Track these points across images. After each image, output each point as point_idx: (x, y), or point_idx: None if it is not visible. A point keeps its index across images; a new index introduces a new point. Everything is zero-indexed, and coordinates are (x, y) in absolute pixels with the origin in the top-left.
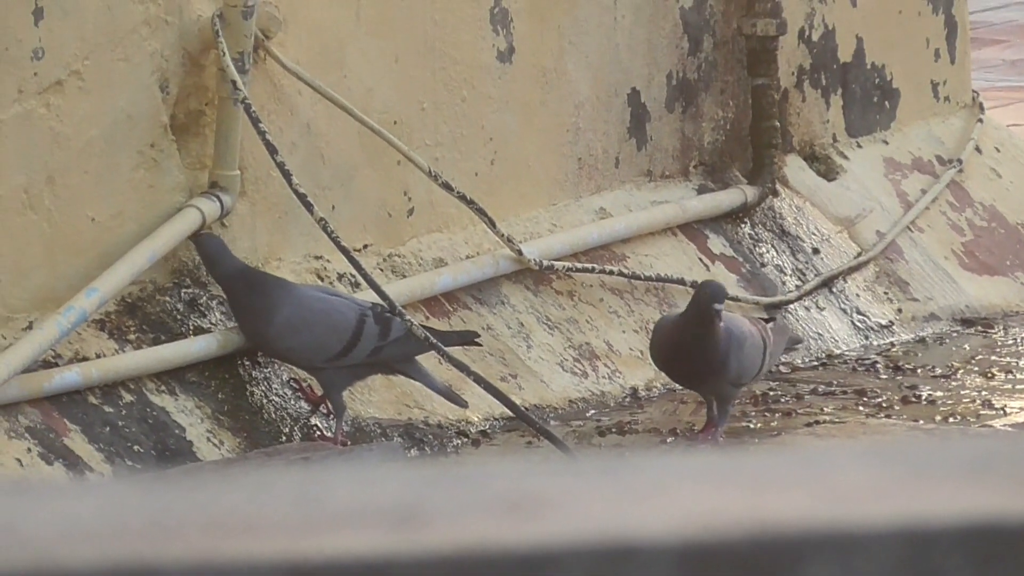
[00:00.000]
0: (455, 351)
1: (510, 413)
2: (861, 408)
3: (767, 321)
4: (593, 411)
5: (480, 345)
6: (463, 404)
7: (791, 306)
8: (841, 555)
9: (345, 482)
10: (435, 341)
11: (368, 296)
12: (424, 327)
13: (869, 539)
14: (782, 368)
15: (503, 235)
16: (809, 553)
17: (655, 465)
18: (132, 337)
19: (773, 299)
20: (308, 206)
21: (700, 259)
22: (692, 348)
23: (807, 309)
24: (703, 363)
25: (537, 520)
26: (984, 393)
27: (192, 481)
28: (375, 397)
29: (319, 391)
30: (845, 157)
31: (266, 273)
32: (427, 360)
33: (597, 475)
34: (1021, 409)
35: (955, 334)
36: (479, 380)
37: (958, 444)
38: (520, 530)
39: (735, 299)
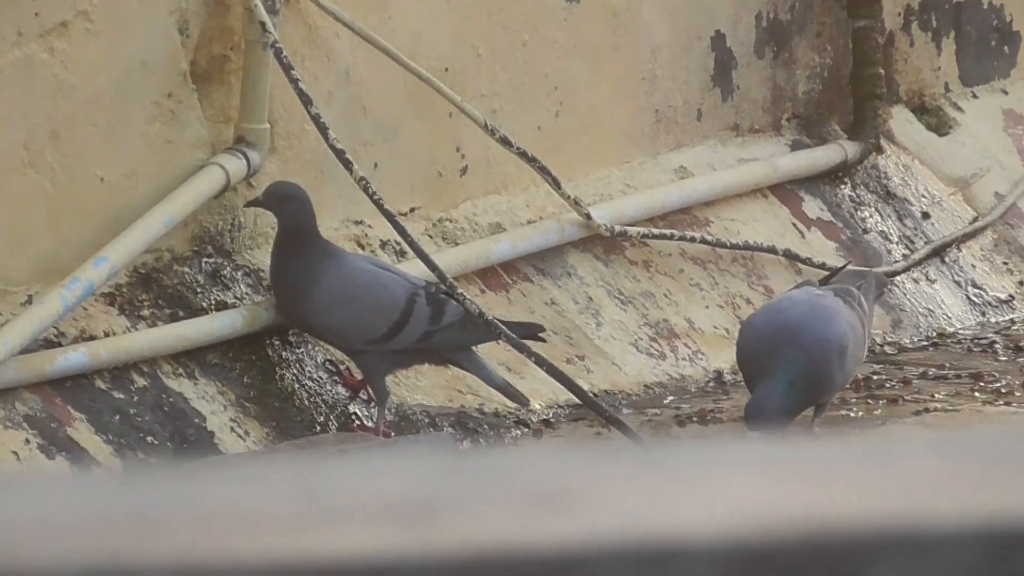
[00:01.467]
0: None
1: (576, 400)
2: (977, 394)
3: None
4: (672, 397)
5: (544, 341)
6: (524, 402)
7: (898, 278)
8: (912, 558)
9: (351, 474)
10: (492, 319)
11: (414, 268)
12: (489, 319)
13: (944, 540)
14: (887, 349)
15: (569, 197)
16: (875, 556)
17: (704, 455)
18: (146, 313)
19: (877, 270)
20: (347, 164)
21: (794, 224)
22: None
23: (916, 281)
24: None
25: (565, 516)
26: None
27: (180, 473)
28: (423, 382)
29: (359, 375)
30: (959, 109)
31: (320, 237)
32: (484, 345)
33: (637, 465)
34: None
35: None
36: (541, 362)
37: None
38: (546, 528)
39: (834, 270)
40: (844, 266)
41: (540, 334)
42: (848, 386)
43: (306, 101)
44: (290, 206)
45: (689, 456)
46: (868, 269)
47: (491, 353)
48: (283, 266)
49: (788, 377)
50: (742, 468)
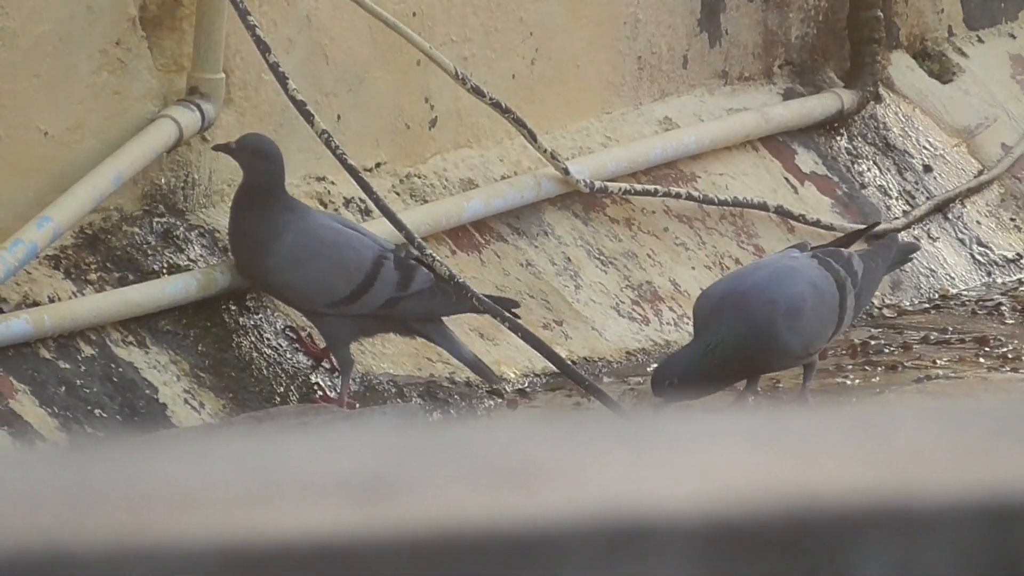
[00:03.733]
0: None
1: (554, 368)
2: (982, 360)
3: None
4: (655, 364)
5: (518, 317)
6: (494, 380)
7: (897, 236)
8: (903, 535)
9: (303, 448)
10: (463, 282)
11: (380, 227)
12: (460, 282)
13: (938, 516)
14: (886, 312)
15: (546, 151)
16: (863, 531)
17: (685, 426)
18: (93, 277)
19: (875, 227)
20: (308, 116)
21: (786, 179)
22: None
23: (916, 239)
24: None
25: (532, 492)
26: None
27: (124, 447)
28: (390, 349)
29: (321, 343)
30: (963, 54)
31: (284, 193)
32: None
33: (612, 437)
34: None
35: None
36: (516, 328)
37: None
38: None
39: (828, 227)
40: (871, 226)
41: (514, 309)
42: (843, 350)
43: (264, 49)
44: (262, 163)
45: (669, 427)
46: (895, 231)
47: (463, 318)
48: (243, 219)
49: (708, 342)
50: (725, 440)
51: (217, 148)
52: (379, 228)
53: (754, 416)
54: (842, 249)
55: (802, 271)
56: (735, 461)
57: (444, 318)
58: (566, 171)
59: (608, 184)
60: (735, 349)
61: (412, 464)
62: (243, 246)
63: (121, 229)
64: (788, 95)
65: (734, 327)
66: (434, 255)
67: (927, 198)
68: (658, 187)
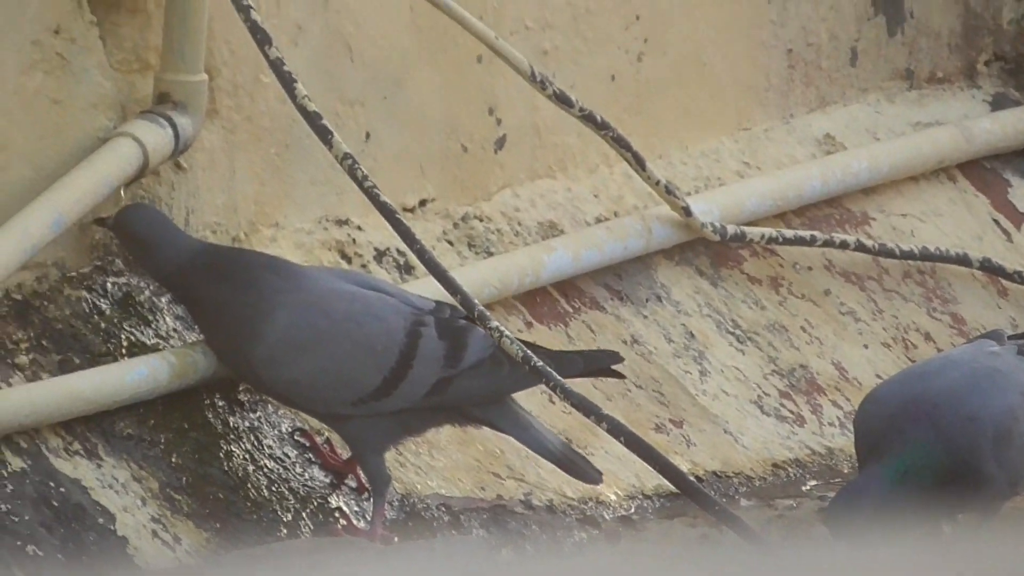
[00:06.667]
0: (578, 383)
1: (671, 486)
2: None
3: None
4: (815, 482)
5: (622, 376)
6: (593, 478)
7: None
8: None
9: None
10: (543, 366)
11: (427, 289)
12: (525, 343)
13: None
14: None
15: (659, 182)
16: None
17: (852, 563)
18: (23, 360)
19: None
20: (324, 134)
21: (995, 221)
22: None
23: None
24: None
25: None
26: None
27: None
28: (440, 461)
29: (344, 451)
30: None
31: (249, 251)
32: (531, 399)
33: None
34: None
35: None
36: (618, 430)
37: None
38: None
39: None
40: None
41: (615, 366)
42: None
43: (262, 39)
44: (142, 247)
45: (833, 566)
46: None
47: (543, 416)
48: (213, 310)
49: (901, 465)
50: None
51: (97, 222)
52: (424, 291)
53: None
54: None
55: (1009, 374)
56: None
57: (513, 396)
58: (687, 211)
59: (746, 229)
60: (935, 476)
61: None
62: (218, 333)
63: (62, 293)
64: (998, 103)
65: (928, 447)
66: (502, 329)
67: None
68: (816, 233)
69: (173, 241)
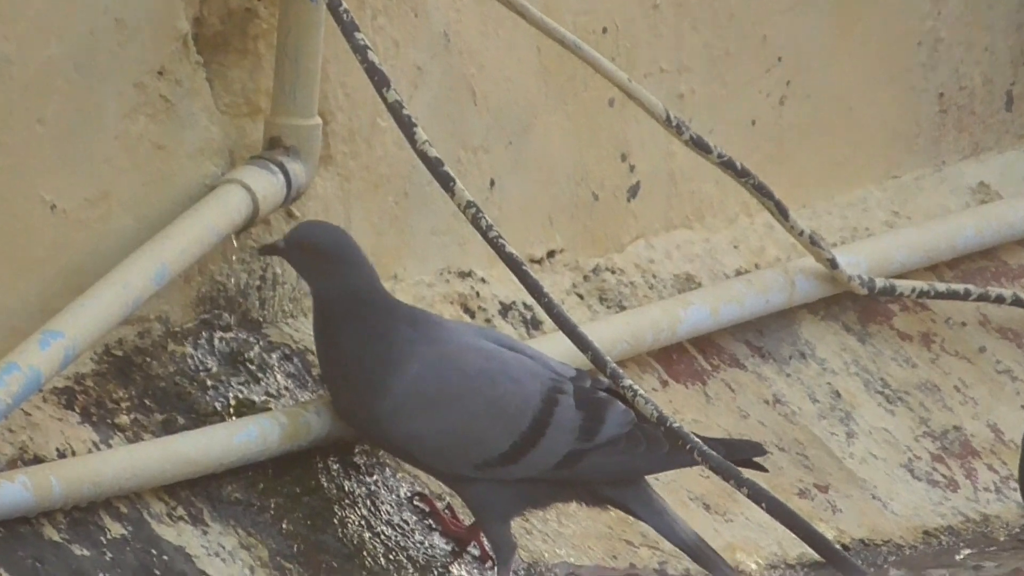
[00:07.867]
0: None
1: (816, 556)
2: None
3: None
4: (969, 550)
5: (765, 470)
6: (726, 572)
7: None
8: None
9: None
10: (679, 427)
11: (555, 347)
12: (674, 427)
13: None
14: None
15: (803, 233)
16: None
17: None
18: (124, 420)
19: None
20: (446, 181)
21: None
22: None
23: None
24: None
25: None
26: None
27: None
28: (569, 528)
29: (467, 518)
30: None
31: (394, 300)
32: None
33: None
34: None
35: None
36: (759, 495)
37: None
38: None
39: None
40: None
41: (757, 458)
42: None
43: (380, 81)
44: (321, 262)
45: None
46: None
47: (680, 481)
48: (338, 345)
49: None
50: None
51: (263, 251)
52: (553, 348)
53: None
54: None
55: None
56: None
57: (650, 478)
58: (833, 263)
59: (895, 283)
60: None
61: None
62: (343, 385)
63: (166, 349)
64: None
65: None
66: (635, 387)
67: None
68: (970, 287)
69: (358, 262)
